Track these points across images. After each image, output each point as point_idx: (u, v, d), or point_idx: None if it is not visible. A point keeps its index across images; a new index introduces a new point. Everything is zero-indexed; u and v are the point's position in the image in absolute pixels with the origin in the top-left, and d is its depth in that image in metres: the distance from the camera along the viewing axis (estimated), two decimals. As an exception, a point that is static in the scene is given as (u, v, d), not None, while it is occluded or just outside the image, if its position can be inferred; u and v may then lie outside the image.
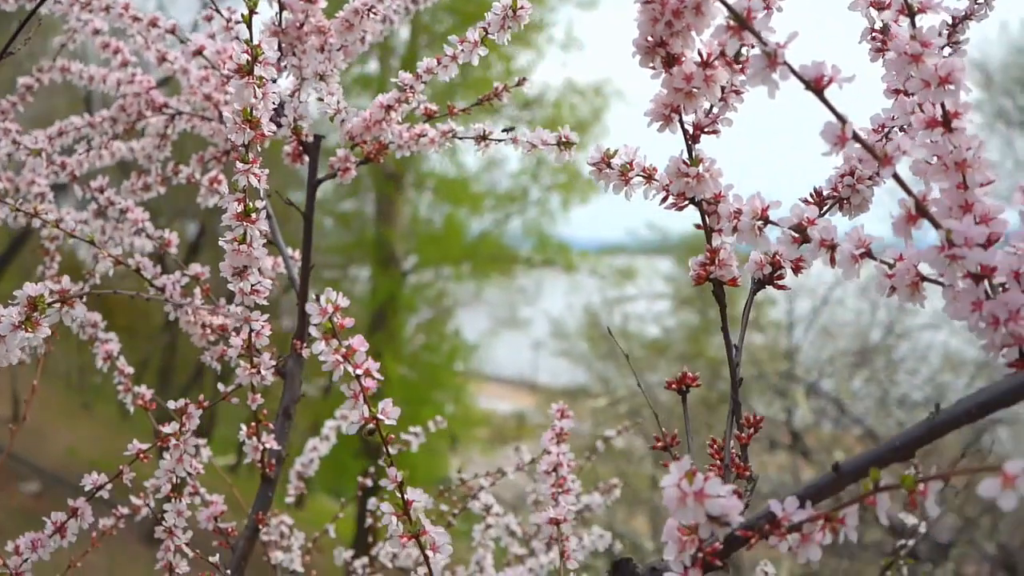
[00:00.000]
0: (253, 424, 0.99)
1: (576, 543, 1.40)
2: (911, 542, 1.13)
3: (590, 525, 1.42)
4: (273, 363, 0.93)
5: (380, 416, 0.65)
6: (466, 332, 11.52)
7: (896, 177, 0.53)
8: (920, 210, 0.53)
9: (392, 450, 0.71)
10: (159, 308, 1.16)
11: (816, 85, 0.52)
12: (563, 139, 0.87)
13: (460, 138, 0.99)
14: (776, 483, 6.41)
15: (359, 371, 0.64)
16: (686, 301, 9.79)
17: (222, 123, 1.18)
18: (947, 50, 0.73)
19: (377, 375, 0.65)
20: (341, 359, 0.64)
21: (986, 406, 0.51)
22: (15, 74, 1.34)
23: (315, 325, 0.63)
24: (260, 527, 1.02)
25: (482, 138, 0.97)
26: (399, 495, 0.67)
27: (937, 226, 0.52)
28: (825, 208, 0.71)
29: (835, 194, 0.71)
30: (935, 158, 0.57)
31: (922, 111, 0.56)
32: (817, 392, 6.09)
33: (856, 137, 0.52)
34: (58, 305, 0.66)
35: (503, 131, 0.97)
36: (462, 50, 0.92)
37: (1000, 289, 0.54)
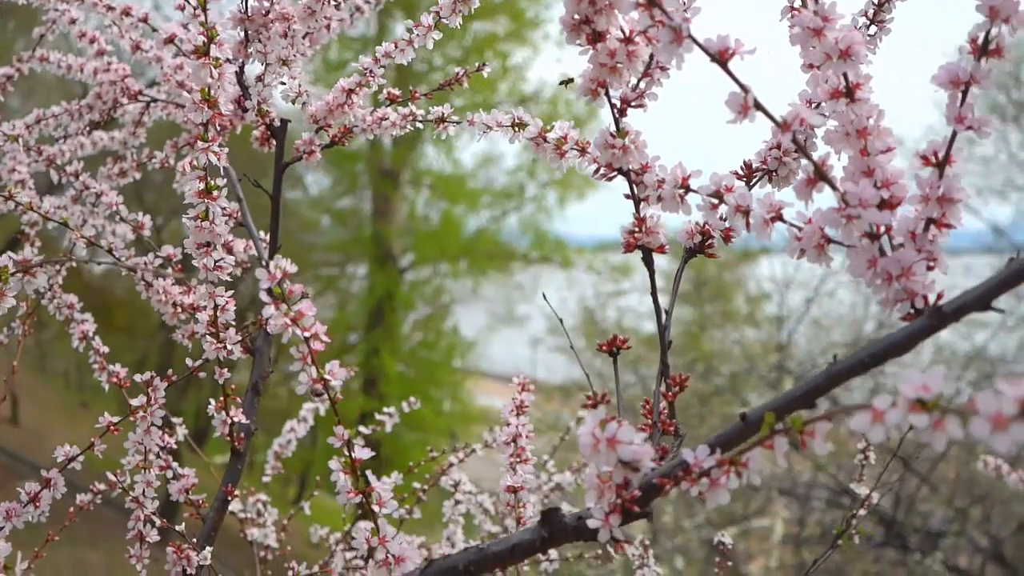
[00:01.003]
0: (222, 399, 1.02)
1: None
2: (862, 512, 1.16)
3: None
4: (239, 338, 0.96)
5: (327, 377, 0.68)
6: (464, 329, 11.57)
7: (796, 143, 0.56)
8: (819, 174, 0.56)
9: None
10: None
11: (721, 57, 0.55)
12: (516, 121, 0.91)
13: (421, 121, 1.03)
14: (767, 474, 6.46)
15: (307, 334, 0.67)
16: (682, 297, 9.85)
17: (195, 110, 1.21)
18: (872, 28, 0.76)
19: (324, 338, 0.68)
20: (290, 322, 0.67)
21: (879, 356, 0.54)
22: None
23: (265, 290, 0.66)
24: (229, 498, 1.05)
25: (441, 120, 1.00)
26: (347, 453, 0.71)
27: (835, 188, 0.56)
28: (754, 180, 0.75)
29: (763, 166, 0.74)
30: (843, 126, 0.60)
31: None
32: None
33: (757, 105, 0.55)
34: (20, 275, 0.69)
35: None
36: (417, 34, 0.95)
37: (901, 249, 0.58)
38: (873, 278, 0.56)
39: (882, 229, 0.56)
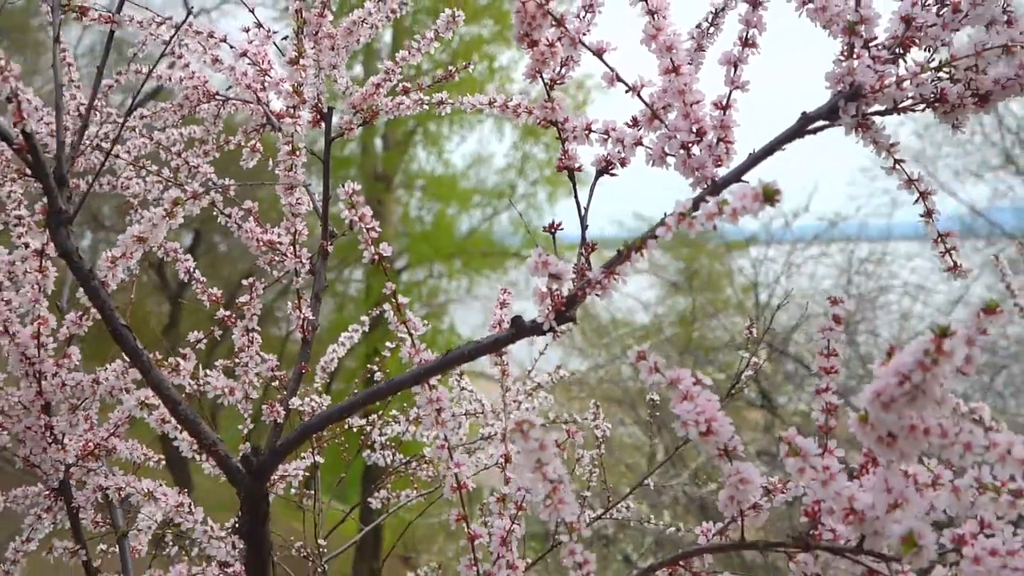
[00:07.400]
0: (296, 300, 1.47)
1: (528, 407, 1.90)
2: (749, 372, 1.61)
3: (538, 393, 1.91)
4: (310, 254, 1.42)
5: (381, 252, 1.14)
6: (460, 328, 11.98)
7: (640, 98, 1.02)
8: (654, 115, 1.02)
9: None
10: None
11: (598, 52, 1.01)
12: (492, 100, 1.36)
13: (427, 104, 1.49)
14: (748, 440, 6.94)
15: (368, 226, 1.13)
16: (674, 287, 10.34)
17: (259, 105, 1.67)
18: (712, 29, 1.22)
19: (377, 229, 1.14)
20: (358, 219, 1.13)
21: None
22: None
23: (342, 200, 1.12)
24: (303, 371, 1.50)
25: (441, 102, 1.46)
26: (395, 300, 1.16)
27: (662, 121, 1.02)
28: (639, 127, 1.20)
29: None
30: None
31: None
32: (784, 354, 6.60)
33: (618, 78, 1.01)
34: (191, 199, 1.14)
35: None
36: (424, 43, 1.42)
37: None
38: (685, 172, 1.01)
39: (691, 144, 1.01)
